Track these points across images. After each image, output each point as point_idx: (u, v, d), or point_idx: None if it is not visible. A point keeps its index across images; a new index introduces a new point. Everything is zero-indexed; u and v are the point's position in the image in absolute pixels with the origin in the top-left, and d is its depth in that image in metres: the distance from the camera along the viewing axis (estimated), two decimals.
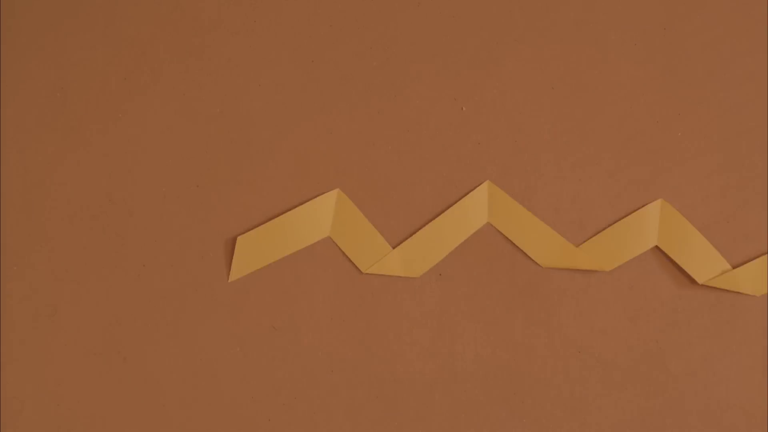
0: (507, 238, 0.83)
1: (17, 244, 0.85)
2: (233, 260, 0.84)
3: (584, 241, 0.83)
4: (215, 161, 0.85)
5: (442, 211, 0.84)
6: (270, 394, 0.84)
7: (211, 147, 0.86)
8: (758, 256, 0.82)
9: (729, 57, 0.84)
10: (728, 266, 0.82)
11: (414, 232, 0.84)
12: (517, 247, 0.83)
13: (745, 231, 0.83)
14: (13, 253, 0.85)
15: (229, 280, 0.84)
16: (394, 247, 0.84)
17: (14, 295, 0.85)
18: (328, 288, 0.84)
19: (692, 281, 0.82)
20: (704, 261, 0.82)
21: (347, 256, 0.84)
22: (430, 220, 0.84)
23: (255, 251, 0.84)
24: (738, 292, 0.82)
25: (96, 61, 0.87)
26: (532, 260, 0.83)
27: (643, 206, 0.83)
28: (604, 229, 0.83)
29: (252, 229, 0.84)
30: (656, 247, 0.83)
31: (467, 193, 0.84)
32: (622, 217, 0.83)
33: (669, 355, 0.82)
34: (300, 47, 0.86)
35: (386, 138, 0.85)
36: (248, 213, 0.85)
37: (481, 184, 0.84)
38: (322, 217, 0.84)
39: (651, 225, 0.82)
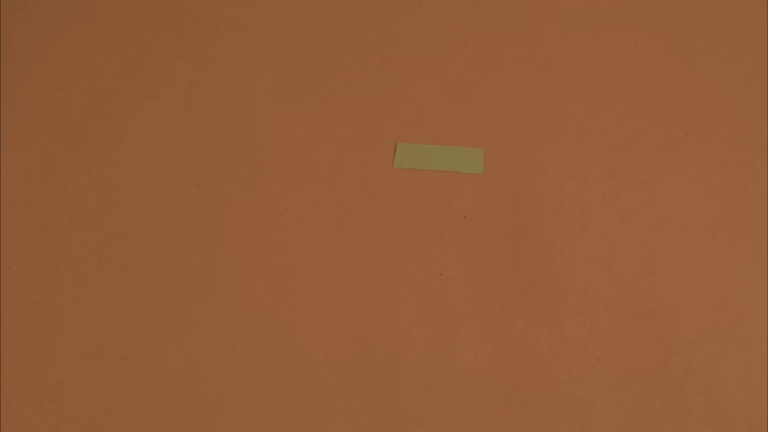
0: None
1: (17, 244, 0.85)
2: None
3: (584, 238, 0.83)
4: (215, 161, 0.85)
5: (441, 210, 0.84)
6: (270, 394, 0.84)
7: (211, 147, 0.86)
8: (758, 256, 0.82)
9: (729, 57, 0.84)
10: None
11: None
12: (519, 247, 0.83)
13: (745, 231, 0.83)
14: (13, 253, 0.85)
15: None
16: None
17: (14, 295, 0.85)
18: (329, 288, 0.84)
19: (693, 280, 0.82)
20: None
21: None
22: (427, 219, 0.84)
23: None
24: (737, 292, 0.82)
25: (96, 61, 0.87)
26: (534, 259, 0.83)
27: (643, 206, 0.83)
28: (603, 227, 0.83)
29: (251, 228, 0.85)
30: (656, 245, 0.83)
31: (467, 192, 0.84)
32: (622, 218, 0.83)
33: (669, 355, 0.82)
34: (300, 47, 0.86)
35: (387, 138, 0.85)
36: (248, 213, 0.85)
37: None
38: None
39: None
